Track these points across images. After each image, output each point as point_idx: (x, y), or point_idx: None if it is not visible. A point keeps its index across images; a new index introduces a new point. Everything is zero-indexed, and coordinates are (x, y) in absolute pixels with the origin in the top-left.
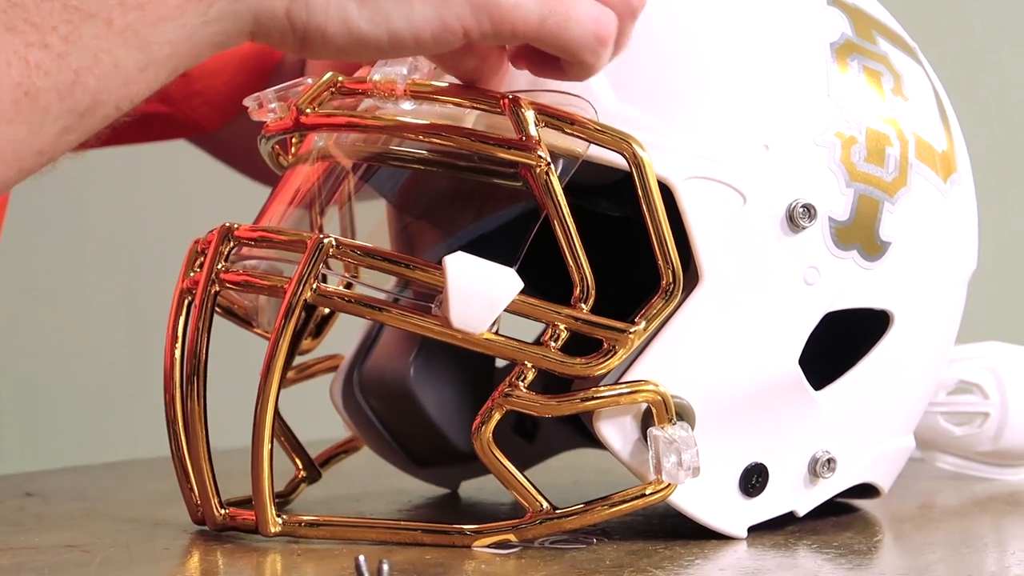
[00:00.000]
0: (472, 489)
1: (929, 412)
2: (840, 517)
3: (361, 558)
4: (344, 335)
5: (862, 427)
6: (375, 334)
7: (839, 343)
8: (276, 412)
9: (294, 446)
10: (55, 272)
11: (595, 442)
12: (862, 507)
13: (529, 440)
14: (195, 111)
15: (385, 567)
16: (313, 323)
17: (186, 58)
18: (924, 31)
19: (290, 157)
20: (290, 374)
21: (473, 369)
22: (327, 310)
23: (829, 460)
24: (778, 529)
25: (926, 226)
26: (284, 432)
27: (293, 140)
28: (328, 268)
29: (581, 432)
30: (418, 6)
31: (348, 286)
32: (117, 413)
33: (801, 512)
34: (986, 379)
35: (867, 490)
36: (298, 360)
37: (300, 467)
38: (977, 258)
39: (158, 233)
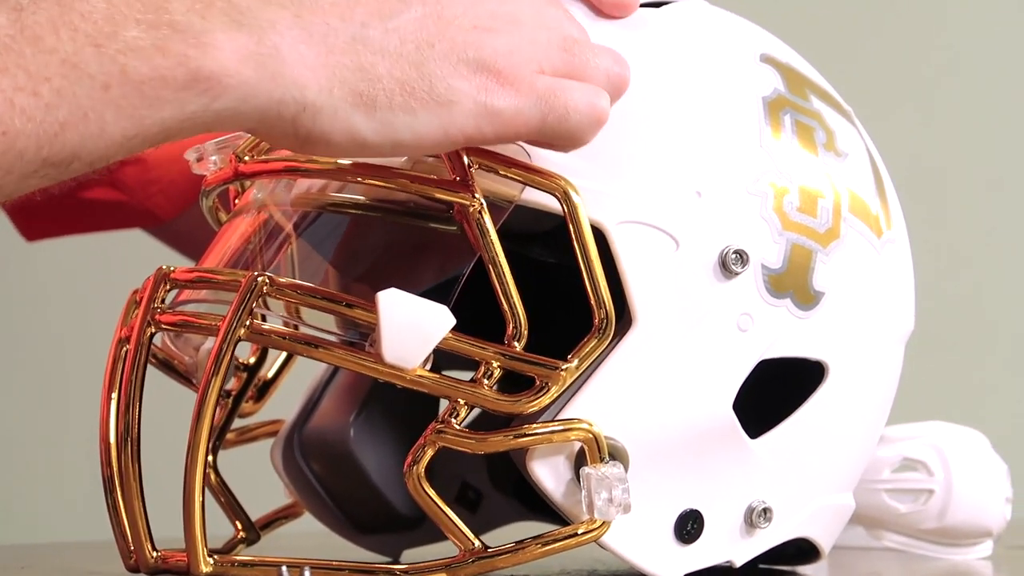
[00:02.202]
0: (415, 557)
1: (874, 489)
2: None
3: (284, 568)
4: (286, 402)
5: (798, 478)
6: (317, 397)
7: (776, 393)
8: (215, 470)
9: (234, 507)
10: None
11: (539, 514)
12: (799, 572)
13: (472, 511)
14: (150, 200)
15: (307, 574)
16: (254, 387)
17: (177, 136)
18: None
19: (231, 212)
20: (230, 436)
21: (414, 430)
22: (269, 374)
23: (765, 510)
24: None
25: (860, 279)
26: (224, 493)
27: (236, 199)
28: (267, 309)
29: (526, 504)
30: (422, 116)
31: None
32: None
33: (738, 562)
34: (930, 456)
35: (807, 554)
36: (239, 423)
37: (240, 528)
38: (914, 320)
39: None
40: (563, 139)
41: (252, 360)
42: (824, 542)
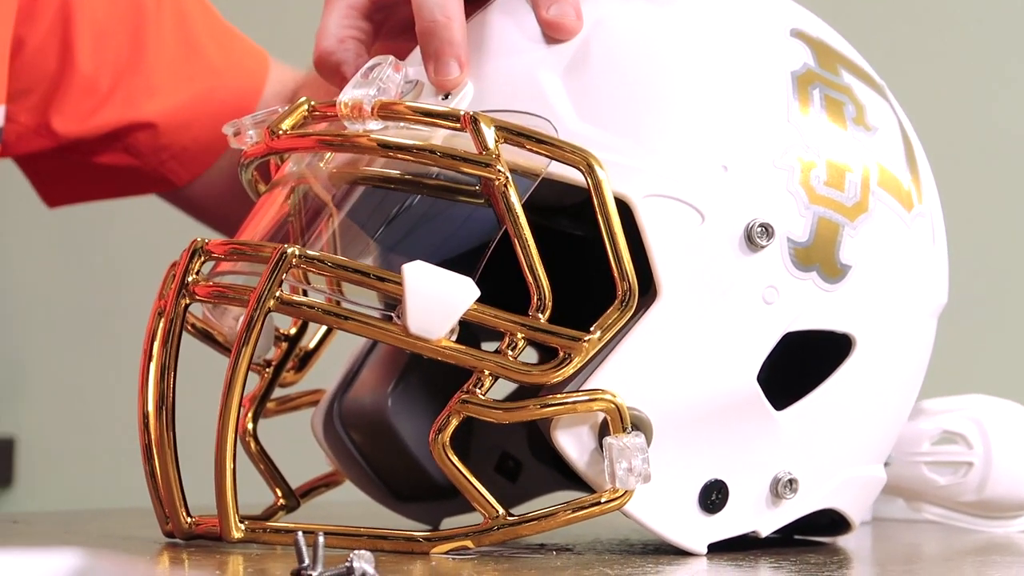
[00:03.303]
0: (455, 525)
1: (913, 462)
2: (811, 547)
3: (299, 534)
4: (330, 372)
5: (825, 450)
6: (357, 368)
7: (804, 365)
8: (255, 438)
9: (273, 475)
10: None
11: (578, 484)
12: (836, 543)
13: (512, 480)
14: (163, 165)
15: (320, 539)
16: (296, 357)
17: None
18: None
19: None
20: (271, 405)
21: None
22: (311, 344)
23: (791, 481)
24: (742, 551)
25: (888, 252)
26: (263, 460)
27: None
28: (308, 284)
29: (565, 474)
30: None
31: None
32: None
33: (763, 533)
34: (970, 429)
35: (838, 526)
36: (280, 392)
37: (280, 495)
38: (947, 293)
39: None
40: None
41: (293, 331)
42: (853, 513)
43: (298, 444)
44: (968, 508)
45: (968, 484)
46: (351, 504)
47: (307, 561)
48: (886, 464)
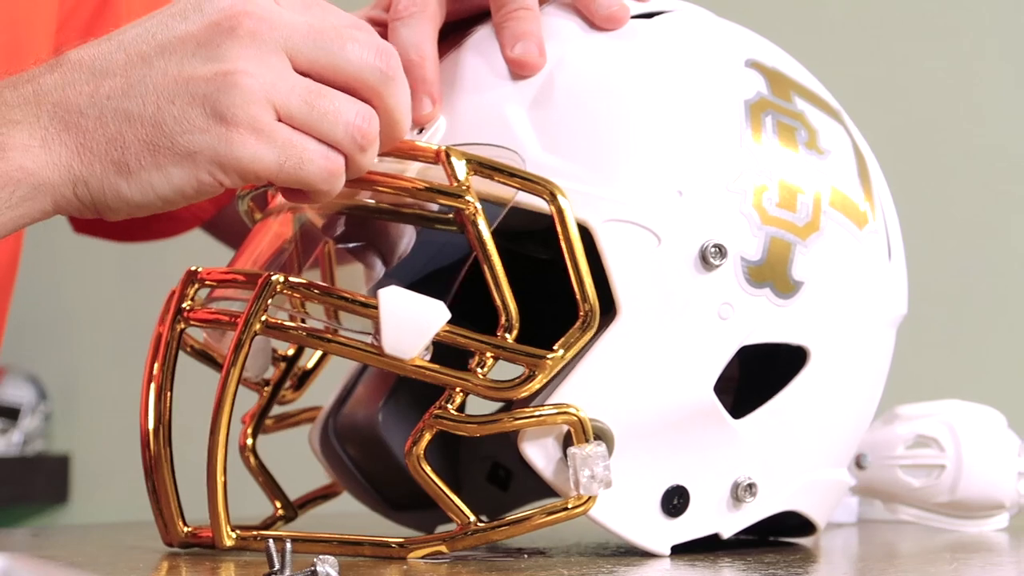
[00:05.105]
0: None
1: (889, 465)
2: (774, 548)
3: (270, 541)
4: (329, 389)
5: (783, 455)
6: (351, 386)
7: (764, 376)
8: (254, 452)
9: (272, 487)
10: None
11: None
12: (806, 544)
13: (503, 489)
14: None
15: (288, 545)
16: (294, 376)
17: (10, 229)
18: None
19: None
20: (270, 422)
21: None
22: (309, 364)
23: (750, 485)
24: (707, 552)
25: (840, 268)
26: (262, 474)
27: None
28: (306, 312)
29: None
30: (174, 171)
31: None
32: None
33: (726, 534)
34: (942, 433)
35: (805, 527)
36: (280, 410)
37: (278, 507)
38: (907, 304)
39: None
40: (300, 184)
41: (291, 352)
42: (816, 515)
43: (299, 458)
44: (942, 509)
45: (941, 486)
46: (358, 515)
47: (277, 566)
48: (861, 468)
